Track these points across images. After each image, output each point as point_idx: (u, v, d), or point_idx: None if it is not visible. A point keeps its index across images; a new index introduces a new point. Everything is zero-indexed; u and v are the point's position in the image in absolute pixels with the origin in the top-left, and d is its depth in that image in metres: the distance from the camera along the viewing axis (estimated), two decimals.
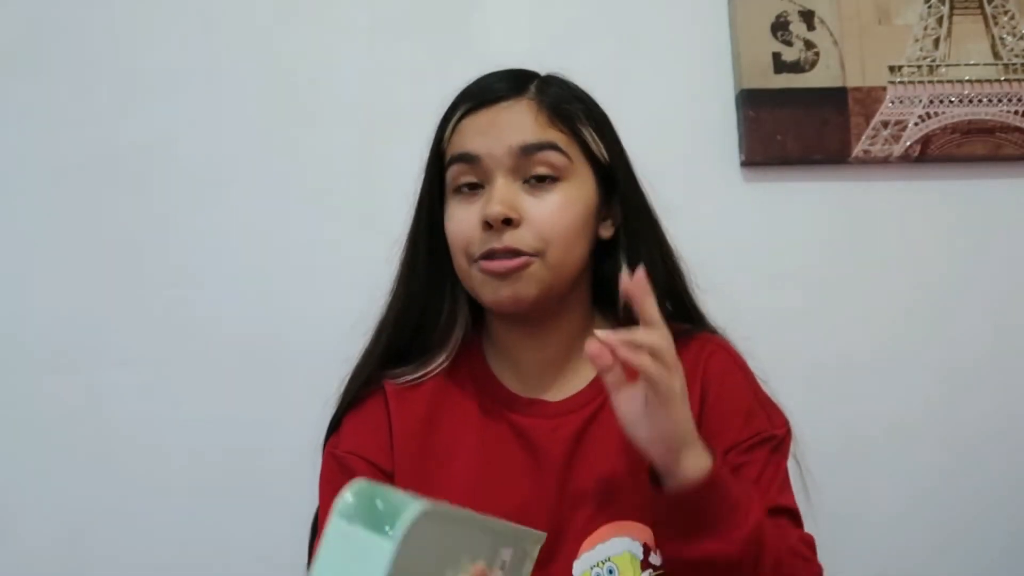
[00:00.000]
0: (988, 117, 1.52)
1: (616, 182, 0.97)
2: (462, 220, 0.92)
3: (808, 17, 1.52)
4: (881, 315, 1.51)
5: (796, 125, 1.50)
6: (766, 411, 0.98)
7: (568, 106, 0.95)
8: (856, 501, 1.46)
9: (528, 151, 0.91)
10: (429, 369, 0.96)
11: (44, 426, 1.41)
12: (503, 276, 0.90)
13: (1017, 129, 1.52)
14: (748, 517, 0.78)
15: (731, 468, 0.90)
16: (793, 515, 0.92)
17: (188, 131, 1.47)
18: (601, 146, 0.96)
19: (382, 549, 0.59)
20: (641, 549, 0.89)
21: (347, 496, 0.64)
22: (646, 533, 0.89)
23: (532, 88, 0.95)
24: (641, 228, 0.98)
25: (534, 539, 0.76)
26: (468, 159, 0.92)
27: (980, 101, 1.52)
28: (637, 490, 0.88)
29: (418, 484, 0.87)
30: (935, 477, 1.49)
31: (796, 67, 1.51)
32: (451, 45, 1.51)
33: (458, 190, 0.93)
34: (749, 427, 0.94)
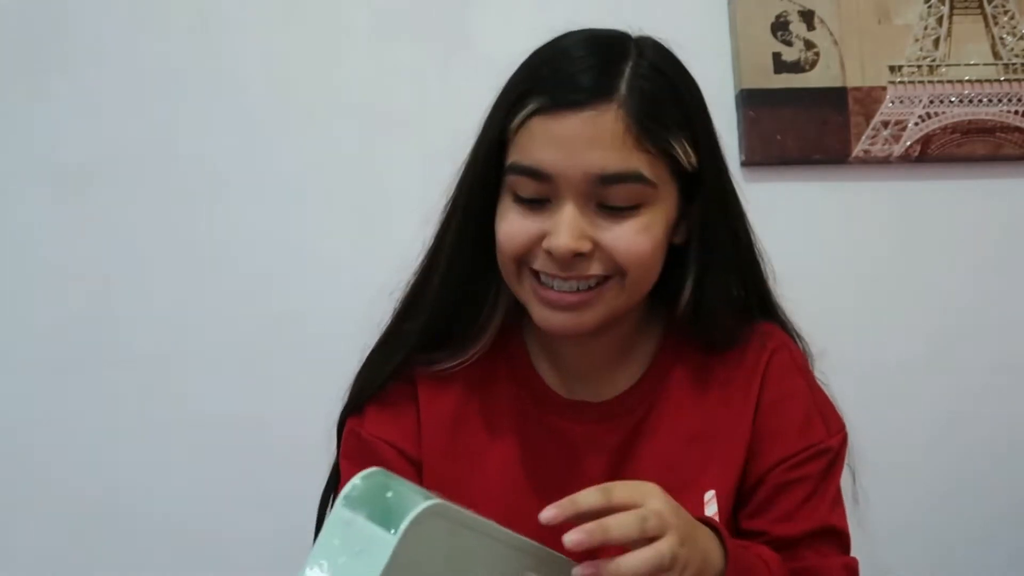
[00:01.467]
0: (988, 117, 1.52)
1: (702, 186, 0.85)
2: (519, 230, 0.79)
3: (808, 17, 1.52)
4: (881, 315, 1.50)
5: (796, 125, 1.50)
6: (824, 419, 0.91)
7: (663, 117, 0.80)
8: (862, 506, 1.46)
9: (607, 181, 0.77)
10: (465, 358, 0.85)
11: (44, 426, 1.41)
12: (563, 308, 0.79)
13: (1017, 129, 1.52)
14: None
15: (780, 485, 0.85)
16: (841, 537, 0.86)
17: (188, 131, 1.47)
18: (692, 156, 0.83)
19: (383, 543, 0.55)
20: None
21: (356, 481, 0.58)
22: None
23: (623, 86, 0.79)
24: (725, 234, 0.87)
25: (567, 567, 0.67)
26: (536, 175, 0.77)
27: (980, 101, 1.52)
28: (684, 506, 0.77)
29: (449, 487, 0.76)
30: (941, 486, 1.49)
31: (796, 67, 1.51)
32: (451, 45, 1.51)
33: (518, 198, 0.80)
34: (804, 438, 0.87)
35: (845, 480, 0.93)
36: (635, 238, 0.78)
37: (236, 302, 1.45)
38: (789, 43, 1.51)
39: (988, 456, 1.49)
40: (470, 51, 1.46)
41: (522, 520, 0.67)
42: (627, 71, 0.81)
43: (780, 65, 1.51)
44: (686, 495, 0.77)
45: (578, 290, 0.78)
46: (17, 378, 1.42)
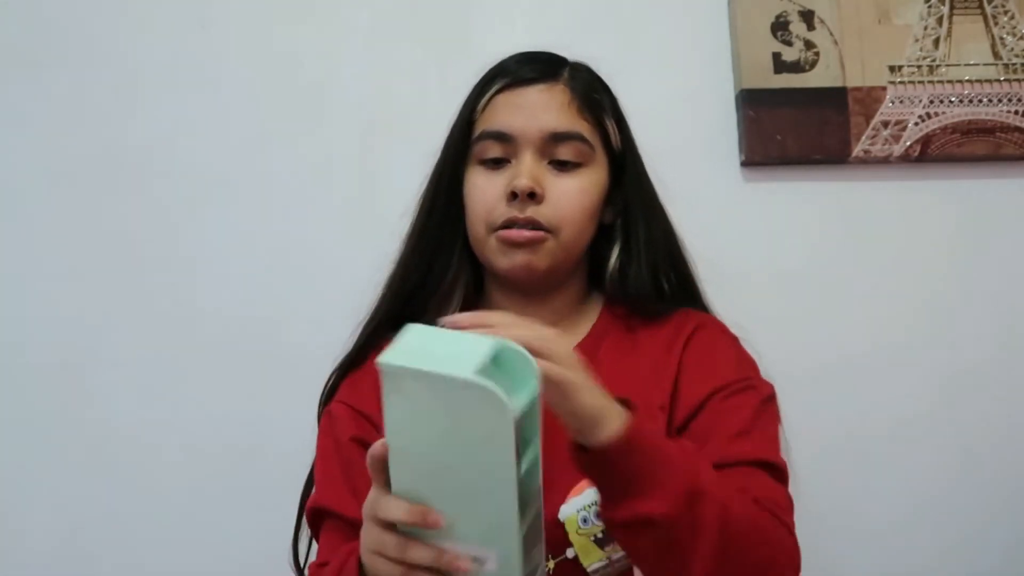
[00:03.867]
0: (988, 117, 1.52)
1: (625, 170, 1.04)
2: (486, 190, 0.98)
3: (808, 17, 1.52)
4: (881, 315, 1.50)
5: (796, 125, 1.50)
6: (754, 369, 1.02)
7: (597, 97, 1.02)
8: (856, 503, 1.46)
9: (558, 138, 0.97)
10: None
11: (44, 426, 1.41)
12: (520, 245, 0.96)
13: (1017, 129, 1.52)
14: (680, 475, 0.76)
15: (721, 412, 0.93)
16: (777, 471, 0.92)
17: (188, 131, 1.47)
18: (619, 137, 1.03)
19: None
20: None
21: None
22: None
23: (565, 74, 1.01)
24: (643, 213, 1.04)
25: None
26: (500, 136, 0.97)
27: (980, 101, 1.52)
28: None
29: None
30: (937, 480, 1.48)
31: (796, 67, 1.51)
32: (451, 45, 1.51)
33: (483, 162, 0.99)
34: (736, 372, 0.98)
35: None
36: (576, 195, 0.98)
37: (236, 302, 1.45)
38: (789, 43, 1.51)
39: (982, 452, 1.49)
40: (470, 51, 1.46)
41: None
42: (568, 64, 1.03)
43: (780, 65, 1.51)
44: None
45: (533, 230, 0.96)
46: (17, 378, 1.42)
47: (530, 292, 1.01)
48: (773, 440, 0.96)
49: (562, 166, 0.98)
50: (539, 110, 0.98)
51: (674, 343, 1.00)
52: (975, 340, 1.51)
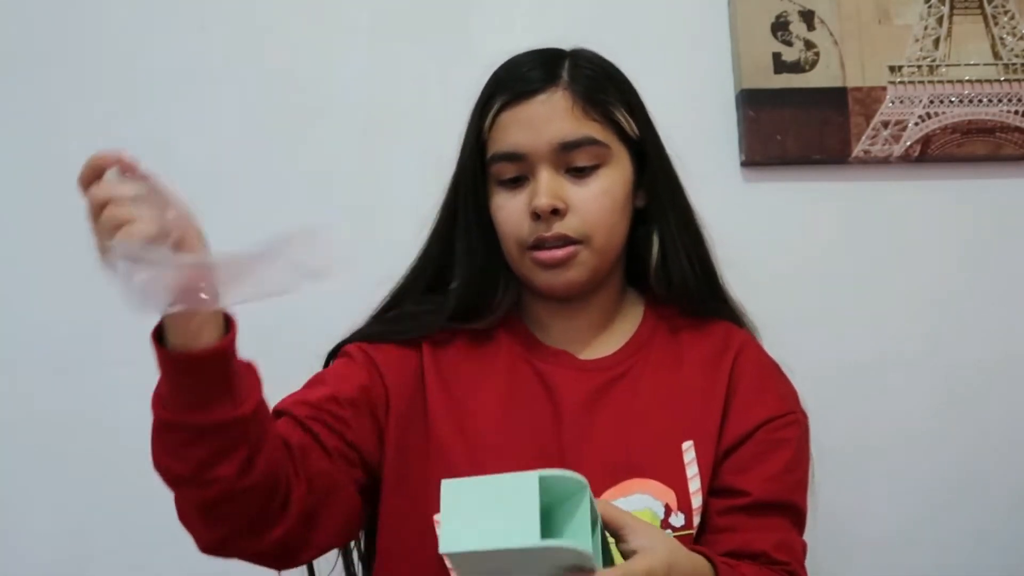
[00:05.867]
0: (988, 117, 1.52)
1: (647, 154, 1.00)
2: (511, 211, 0.96)
3: (808, 17, 1.52)
4: (881, 315, 1.50)
5: (796, 125, 1.50)
6: (796, 402, 1.02)
7: (601, 93, 0.97)
8: (859, 507, 1.46)
9: (568, 147, 0.94)
10: (479, 325, 0.99)
11: (44, 426, 1.41)
12: (554, 266, 0.94)
13: (1017, 129, 1.52)
14: None
15: (769, 444, 0.95)
16: (798, 516, 0.96)
17: (188, 132, 1.47)
18: (633, 124, 0.99)
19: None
20: (662, 509, 0.91)
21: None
22: (668, 495, 0.91)
23: (564, 75, 0.96)
24: (670, 197, 1.02)
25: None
26: (512, 157, 0.95)
27: (980, 101, 1.52)
28: (661, 452, 0.92)
29: (450, 405, 0.95)
30: (938, 482, 1.48)
31: (796, 67, 1.51)
32: (451, 45, 1.51)
33: (502, 183, 0.97)
34: (784, 404, 0.99)
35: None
36: (599, 199, 0.94)
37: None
38: (789, 43, 1.51)
39: (985, 455, 1.49)
40: (470, 51, 1.46)
41: (514, 441, 0.91)
42: (567, 63, 0.98)
43: (780, 65, 1.51)
44: (662, 445, 0.93)
45: (562, 246, 0.93)
46: (17, 378, 1.42)
47: (569, 299, 1.00)
48: (804, 482, 0.98)
49: (580, 172, 0.95)
50: (544, 122, 0.94)
51: (721, 361, 0.99)
52: (975, 340, 1.51)
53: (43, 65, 1.48)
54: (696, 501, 0.92)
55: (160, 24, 1.50)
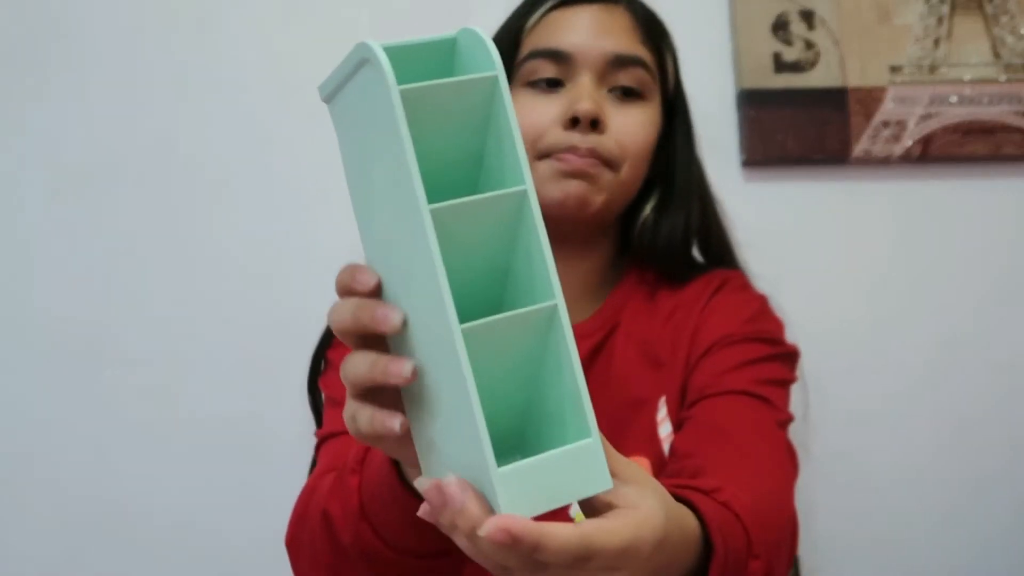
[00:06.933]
0: (988, 117, 1.52)
1: (675, 111, 0.96)
2: (540, 114, 0.87)
3: (808, 17, 1.52)
4: (882, 315, 1.50)
5: (796, 125, 1.50)
6: (776, 327, 0.96)
7: (657, 28, 0.94)
8: (858, 516, 1.46)
9: (621, 61, 0.88)
10: None
11: (43, 427, 1.41)
12: (578, 175, 0.86)
13: (1018, 129, 1.52)
14: None
15: (719, 351, 0.87)
16: (767, 403, 0.88)
17: (187, 132, 1.47)
18: (672, 76, 0.96)
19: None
20: None
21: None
22: (645, 465, 0.87)
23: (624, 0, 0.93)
24: (687, 163, 0.97)
25: None
26: (556, 56, 0.88)
27: (980, 101, 1.52)
28: (638, 422, 0.88)
29: None
30: (944, 491, 1.48)
31: (796, 67, 1.51)
32: None
33: (532, 84, 0.90)
34: (751, 326, 0.92)
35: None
36: (638, 128, 0.89)
37: (236, 303, 1.45)
38: (789, 43, 1.51)
39: (987, 461, 1.49)
40: None
41: None
42: None
43: (780, 65, 1.51)
44: (637, 412, 0.87)
45: (594, 159, 0.86)
46: (17, 378, 1.42)
47: (569, 239, 0.91)
48: (782, 396, 0.89)
49: (623, 95, 0.89)
50: (600, 30, 0.88)
51: (696, 302, 0.94)
52: (976, 340, 1.51)
53: (43, 64, 1.48)
54: (667, 449, 0.86)
55: (160, 24, 1.49)
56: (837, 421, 1.45)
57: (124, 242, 1.45)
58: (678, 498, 0.62)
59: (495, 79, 0.53)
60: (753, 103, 1.50)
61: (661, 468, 0.86)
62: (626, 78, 0.89)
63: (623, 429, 0.88)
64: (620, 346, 0.93)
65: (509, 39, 0.92)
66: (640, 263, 0.99)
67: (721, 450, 0.79)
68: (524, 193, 0.52)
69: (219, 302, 1.45)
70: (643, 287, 0.97)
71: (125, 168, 1.46)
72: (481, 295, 0.54)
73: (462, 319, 0.49)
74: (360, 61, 0.54)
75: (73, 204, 1.45)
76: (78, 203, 1.45)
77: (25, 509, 1.40)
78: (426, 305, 0.51)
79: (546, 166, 0.87)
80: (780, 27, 1.52)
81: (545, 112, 0.87)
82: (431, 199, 0.50)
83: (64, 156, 1.46)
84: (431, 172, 0.51)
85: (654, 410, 0.89)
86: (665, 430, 0.88)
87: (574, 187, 0.87)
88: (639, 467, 0.57)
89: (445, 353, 0.50)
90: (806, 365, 1.45)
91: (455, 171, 0.55)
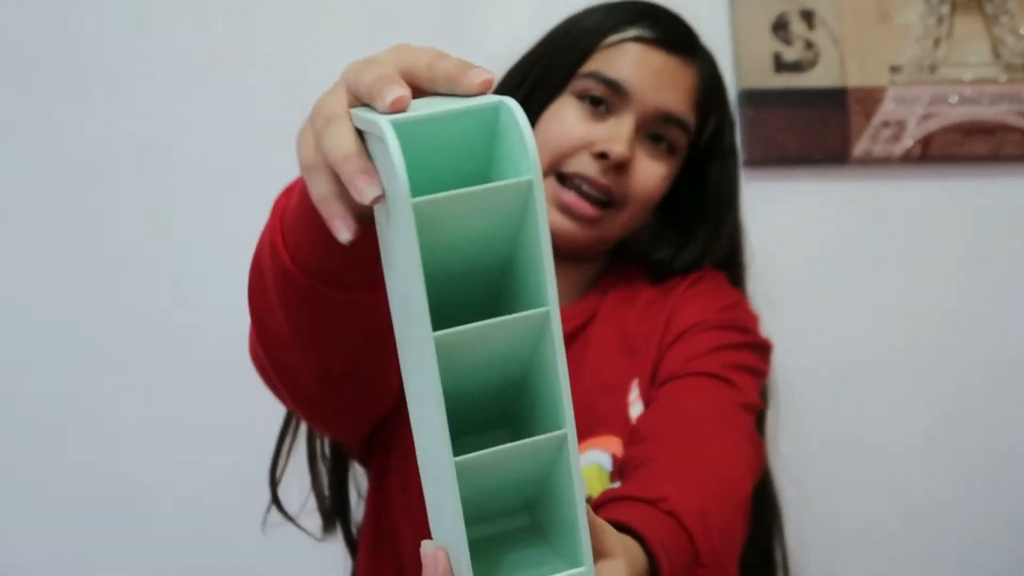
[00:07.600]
0: (989, 117, 1.52)
1: (711, 164, 0.99)
2: (573, 127, 0.89)
3: (808, 17, 1.52)
4: (881, 316, 1.50)
5: (796, 125, 1.50)
6: (750, 320, 0.96)
7: (716, 96, 0.96)
8: (858, 511, 1.46)
9: (668, 121, 0.91)
10: None
11: (43, 426, 1.41)
12: (577, 218, 0.89)
13: (1018, 129, 1.52)
14: None
15: (690, 336, 0.88)
16: (732, 386, 0.87)
17: (187, 132, 1.47)
18: (709, 136, 0.98)
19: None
20: (610, 460, 0.87)
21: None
22: (616, 444, 0.88)
23: (700, 59, 0.95)
24: (719, 214, 1.00)
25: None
26: (616, 87, 0.89)
27: (980, 101, 1.52)
28: (610, 404, 0.89)
29: None
30: (940, 482, 1.48)
31: (796, 67, 1.51)
32: (451, 45, 1.50)
33: (580, 97, 0.91)
34: (725, 314, 0.93)
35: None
36: (657, 180, 0.91)
37: (236, 303, 1.45)
38: (789, 43, 1.51)
39: (984, 458, 1.49)
40: (470, 51, 1.45)
41: None
42: (700, 46, 0.96)
43: (780, 65, 1.51)
44: (612, 396, 0.89)
45: (594, 204, 0.88)
46: (16, 378, 1.42)
47: (560, 252, 0.88)
48: (751, 384, 0.89)
49: (654, 141, 0.91)
50: (665, 82, 0.90)
51: (672, 293, 0.96)
52: (975, 341, 1.51)
53: (43, 65, 1.48)
54: None
55: (158, 24, 1.49)
56: (834, 417, 1.45)
57: (124, 241, 1.45)
58: (622, 528, 0.63)
59: (530, 184, 0.48)
60: (753, 103, 1.50)
61: None
62: (667, 134, 0.92)
63: (595, 411, 0.89)
64: (598, 333, 0.95)
65: (581, 47, 0.92)
66: (627, 260, 1.02)
67: (678, 432, 0.81)
68: (547, 314, 0.48)
69: (219, 301, 1.45)
70: (626, 280, 1.00)
71: (125, 167, 1.46)
72: (491, 407, 0.54)
73: (474, 425, 0.51)
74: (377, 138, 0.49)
75: (72, 204, 1.45)
76: (77, 203, 1.45)
77: (25, 509, 1.40)
78: (427, 406, 0.50)
79: (553, 188, 0.89)
80: (780, 27, 1.52)
81: (580, 132, 0.89)
82: (445, 297, 0.49)
83: (62, 156, 1.46)
84: (448, 267, 0.49)
85: (626, 392, 0.90)
86: (636, 411, 0.89)
87: (568, 225, 0.90)
88: (614, 539, 0.55)
89: (442, 467, 0.49)
90: (804, 364, 1.46)
91: (475, 265, 0.52)
